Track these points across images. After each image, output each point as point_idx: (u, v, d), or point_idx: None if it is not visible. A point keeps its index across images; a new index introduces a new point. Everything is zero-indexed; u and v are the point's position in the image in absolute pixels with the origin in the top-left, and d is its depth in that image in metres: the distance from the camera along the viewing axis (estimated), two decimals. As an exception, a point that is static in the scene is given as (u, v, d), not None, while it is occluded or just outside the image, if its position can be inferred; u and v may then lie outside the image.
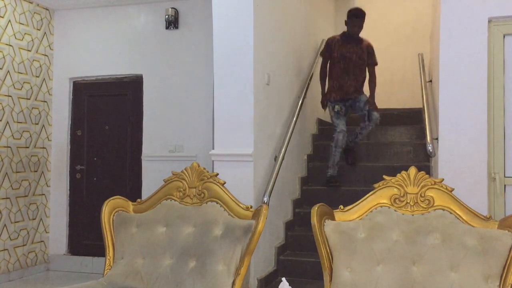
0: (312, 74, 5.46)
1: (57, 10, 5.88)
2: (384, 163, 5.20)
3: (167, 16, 5.46)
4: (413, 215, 2.54)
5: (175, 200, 2.89)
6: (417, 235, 2.44)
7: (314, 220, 2.49)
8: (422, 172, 2.61)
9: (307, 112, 5.45)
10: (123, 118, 5.73)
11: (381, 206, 2.60)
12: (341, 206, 2.67)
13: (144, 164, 5.56)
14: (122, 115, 5.74)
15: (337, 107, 4.90)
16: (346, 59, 4.94)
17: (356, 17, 5.01)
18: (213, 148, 4.06)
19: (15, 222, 5.33)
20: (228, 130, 3.95)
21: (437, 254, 2.36)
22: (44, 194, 5.76)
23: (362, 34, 5.15)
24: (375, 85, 5.03)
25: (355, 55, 4.95)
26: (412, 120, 5.72)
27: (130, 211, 2.91)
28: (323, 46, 5.94)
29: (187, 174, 2.91)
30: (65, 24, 5.87)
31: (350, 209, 2.64)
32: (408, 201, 2.57)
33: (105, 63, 5.73)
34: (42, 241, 5.71)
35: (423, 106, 4.46)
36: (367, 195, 2.66)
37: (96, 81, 5.84)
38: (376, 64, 5.08)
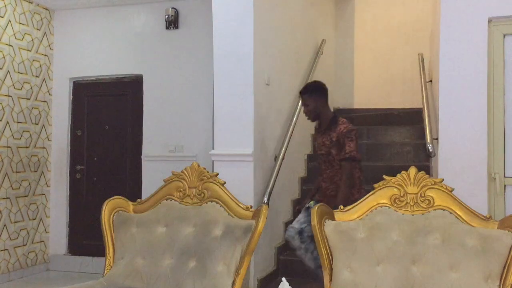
0: (312, 74, 5.45)
1: (57, 10, 5.88)
2: (384, 163, 5.20)
3: (167, 16, 5.45)
4: (413, 215, 2.54)
5: (175, 200, 2.89)
6: (417, 235, 2.44)
7: (314, 220, 2.49)
8: (422, 172, 2.61)
9: (307, 112, 5.44)
10: (123, 118, 5.73)
11: (381, 206, 2.60)
12: (341, 206, 2.67)
13: (144, 164, 5.56)
14: (122, 115, 5.74)
15: (311, 202, 3.65)
16: (318, 152, 3.76)
17: (300, 93, 3.74)
18: (213, 148, 4.06)
19: (15, 222, 5.33)
20: (228, 130, 3.95)
21: (437, 254, 2.36)
22: (44, 194, 5.76)
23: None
24: (343, 192, 3.44)
25: (323, 147, 3.65)
26: (412, 120, 5.72)
27: (130, 211, 2.91)
28: (323, 47, 5.96)
29: (187, 174, 2.91)
30: (65, 24, 5.87)
31: (350, 209, 2.64)
32: (408, 201, 2.57)
33: (105, 63, 5.73)
34: (42, 241, 5.71)
35: (423, 106, 4.46)
36: (367, 195, 2.66)
37: (96, 81, 5.84)
38: (348, 158, 3.48)
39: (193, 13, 5.45)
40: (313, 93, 3.65)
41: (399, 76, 6.86)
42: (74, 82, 5.90)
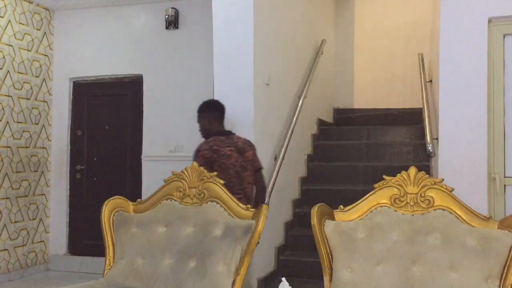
0: (312, 74, 5.44)
1: (57, 10, 5.88)
2: (384, 163, 5.20)
3: (167, 16, 5.46)
4: (413, 215, 2.54)
5: (175, 200, 2.88)
6: (417, 235, 2.44)
7: (314, 220, 2.49)
8: (422, 172, 2.61)
9: (307, 112, 5.44)
10: (123, 118, 5.73)
11: (381, 206, 2.60)
12: (341, 206, 2.67)
13: (144, 164, 5.56)
14: (122, 115, 5.74)
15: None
16: None
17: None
18: (213, 148, 4.05)
19: (15, 222, 5.33)
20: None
21: (437, 254, 2.36)
22: (44, 194, 5.75)
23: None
24: None
25: None
26: (412, 120, 5.72)
27: (130, 211, 2.91)
28: (323, 47, 5.96)
29: (187, 174, 2.90)
30: (65, 24, 5.87)
31: (350, 209, 2.64)
32: (408, 201, 2.57)
33: (105, 63, 5.73)
34: (42, 241, 5.71)
35: (423, 106, 4.46)
36: (367, 195, 2.65)
37: (96, 81, 5.84)
38: None
39: (193, 13, 5.45)
40: (202, 111, 3.59)
41: (399, 76, 6.87)
42: (74, 82, 5.90)
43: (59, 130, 5.85)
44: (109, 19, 5.75)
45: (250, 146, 3.56)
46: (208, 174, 2.89)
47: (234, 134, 3.57)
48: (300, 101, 4.87)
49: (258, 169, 3.59)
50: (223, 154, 3.37)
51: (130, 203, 2.95)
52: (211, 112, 3.60)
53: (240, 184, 3.41)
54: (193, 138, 5.38)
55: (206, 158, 3.35)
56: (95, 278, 2.78)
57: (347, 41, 7.13)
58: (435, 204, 2.53)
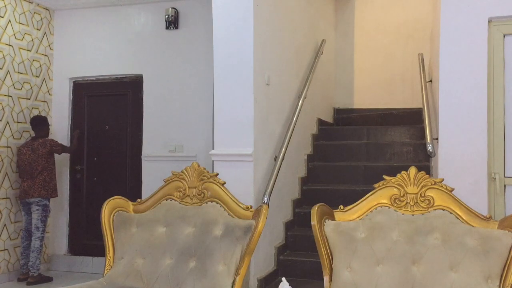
0: (312, 74, 5.44)
1: (57, 10, 5.88)
2: (384, 163, 5.20)
3: (167, 16, 5.46)
4: (413, 215, 2.54)
5: (175, 200, 2.89)
6: (417, 235, 2.44)
7: (314, 220, 2.49)
8: (422, 172, 2.61)
9: (307, 112, 5.44)
10: (123, 118, 5.73)
11: (381, 206, 2.60)
12: (341, 206, 2.67)
13: (144, 164, 5.56)
14: (122, 115, 5.74)
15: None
16: None
17: None
18: (213, 148, 4.06)
19: (15, 222, 5.33)
20: (228, 130, 3.95)
21: (437, 254, 2.36)
22: (44, 194, 5.74)
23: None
24: None
25: None
26: (412, 120, 5.71)
27: (130, 211, 2.91)
28: (323, 47, 5.96)
29: (187, 174, 2.91)
30: (65, 24, 5.87)
31: (350, 209, 2.64)
32: (408, 201, 2.57)
33: (105, 63, 5.73)
34: (42, 241, 5.70)
35: (423, 106, 4.46)
36: (367, 195, 2.66)
37: (96, 81, 5.84)
38: None
39: (193, 13, 5.45)
40: None
41: (399, 76, 6.86)
42: (74, 82, 5.90)
43: (59, 130, 5.85)
44: (109, 19, 5.75)
45: (44, 147, 5.21)
46: (208, 174, 2.89)
47: (38, 139, 5.25)
48: (300, 101, 4.87)
49: (60, 152, 5.44)
50: (21, 150, 5.23)
51: (130, 203, 2.96)
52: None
53: (30, 168, 5.14)
54: (193, 138, 5.40)
55: (18, 151, 5.31)
56: (95, 278, 2.78)
57: (347, 41, 7.13)
58: (435, 204, 2.54)
